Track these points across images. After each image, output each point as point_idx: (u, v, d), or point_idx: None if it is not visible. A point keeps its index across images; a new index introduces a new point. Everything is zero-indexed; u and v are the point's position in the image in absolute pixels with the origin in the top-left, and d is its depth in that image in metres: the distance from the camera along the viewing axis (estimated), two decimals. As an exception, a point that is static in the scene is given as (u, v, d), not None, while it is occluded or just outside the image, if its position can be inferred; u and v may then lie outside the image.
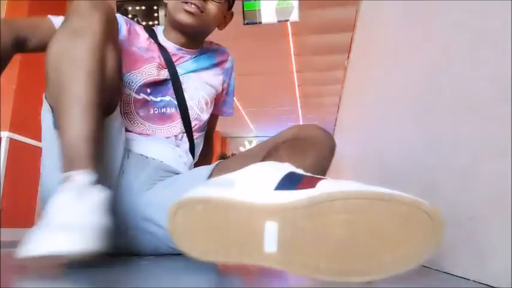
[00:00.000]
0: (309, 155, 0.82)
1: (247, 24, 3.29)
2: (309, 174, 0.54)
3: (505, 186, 0.45)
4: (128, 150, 0.91)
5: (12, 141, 3.07)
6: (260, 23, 3.31)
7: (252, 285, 0.51)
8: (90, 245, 0.52)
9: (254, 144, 10.70)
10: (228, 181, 0.53)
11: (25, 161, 3.08)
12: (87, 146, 0.67)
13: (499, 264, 0.46)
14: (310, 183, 0.48)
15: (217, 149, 10.26)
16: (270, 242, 0.46)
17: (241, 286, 0.52)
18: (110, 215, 0.63)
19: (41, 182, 0.83)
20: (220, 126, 9.73)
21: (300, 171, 0.55)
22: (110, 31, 0.76)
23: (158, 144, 0.96)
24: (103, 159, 0.80)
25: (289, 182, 0.49)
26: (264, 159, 0.82)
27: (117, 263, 0.75)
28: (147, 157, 0.93)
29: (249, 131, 10.28)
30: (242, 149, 10.70)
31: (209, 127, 1.18)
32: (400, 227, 0.42)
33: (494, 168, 0.48)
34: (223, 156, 10.42)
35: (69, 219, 0.56)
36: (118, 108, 0.86)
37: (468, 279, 0.53)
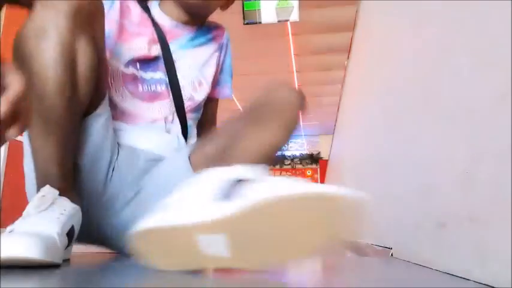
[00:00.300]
0: (273, 123, 0.81)
1: (247, 24, 3.29)
2: (244, 177, 0.57)
3: (505, 186, 0.45)
4: (117, 144, 0.88)
5: (11, 141, 3.06)
6: (260, 22, 3.31)
7: (251, 285, 0.51)
8: (28, 252, 0.53)
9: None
10: (164, 205, 0.58)
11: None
12: (54, 165, 0.68)
13: (499, 264, 0.46)
14: (240, 191, 0.53)
15: (217, 149, 10.23)
16: (216, 250, 0.52)
17: (239, 286, 0.52)
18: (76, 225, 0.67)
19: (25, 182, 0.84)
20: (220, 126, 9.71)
21: (239, 173, 0.58)
22: (83, 20, 0.69)
23: (147, 132, 0.93)
24: (83, 164, 0.80)
25: (225, 192, 0.54)
26: (233, 135, 0.83)
27: (114, 263, 0.75)
28: (136, 148, 0.90)
29: (249, 131, 10.27)
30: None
31: (209, 112, 1.13)
32: (322, 216, 0.47)
33: (494, 168, 0.48)
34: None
35: (27, 228, 0.59)
36: (105, 103, 0.83)
37: (468, 280, 0.53)
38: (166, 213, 0.57)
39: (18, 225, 0.60)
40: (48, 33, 0.65)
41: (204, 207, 0.53)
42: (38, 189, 0.67)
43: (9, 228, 0.60)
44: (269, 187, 0.51)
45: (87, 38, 0.71)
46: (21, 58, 0.66)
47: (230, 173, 0.57)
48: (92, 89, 0.74)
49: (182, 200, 0.57)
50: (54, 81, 0.66)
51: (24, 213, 0.63)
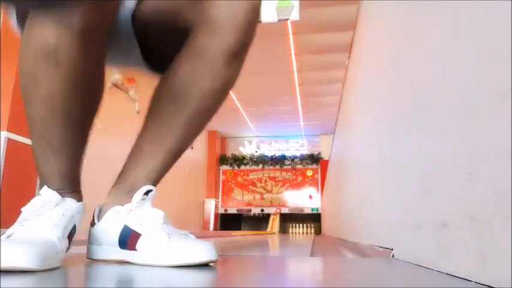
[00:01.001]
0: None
1: (247, 23, 3.28)
2: (135, 230, 0.71)
3: (505, 186, 0.45)
4: None
5: (10, 141, 3.06)
6: (260, 22, 3.30)
7: (251, 286, 0.51)
8: (28, 263, 0.53)
9: (254, 144, 10.72)
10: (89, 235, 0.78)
11: (23, 161, 3.08)
12: (57, 178, 0.67)
13: (500, 264, 0.46)
14: (132, 243, 0.70)
15: (216, 149, 10.27)
16: None
17: (240, 286, 0.52)
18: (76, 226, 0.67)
19: None
20: (220, 126, 9.74)
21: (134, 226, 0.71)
22: (96, 41, 0.61)
23: None
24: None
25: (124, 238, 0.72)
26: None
27: (115, 264, 0.75)
28: None
29: (249, 131, 10.29)
30: (242, 149, 10.71)
31: None
32: None
33: (494, 168, 0.48)
34: (223, 158, 10.43)
35: (27, 234, 0.58)
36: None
37: (470, 281, 0.52)
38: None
39: (17, 230, 0.59)
40: (60, 58, 0.58)
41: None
42: (40, 183, 0.68)
43: (8, 232, 0.59)
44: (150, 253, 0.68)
45: (98, 59, 0.65)
46: (29, 76, 0.61)
47: (123, 221, 0.71)
48: (98, 108, 0.71)
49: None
50: (62, 111, 0.62)
51: (23, 215, 0.62)
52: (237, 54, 0.69)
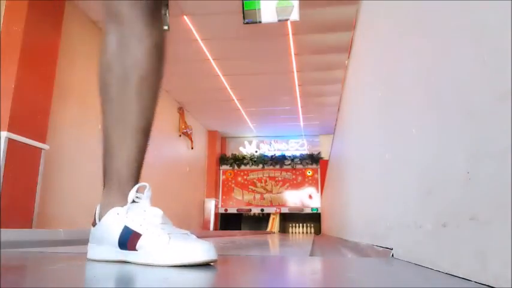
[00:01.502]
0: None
1: (247, 23, 3.28)
2: (135, 230, 0.72)
3: (505, 186, 0.45)
4: None
5: (10, 141, 3.06)
6: (260, 22, 3.30)
7: (251, 286, 0.51)
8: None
9: (254, 144, 10.72)
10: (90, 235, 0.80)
11: (23, 161, 3.08)
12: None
13: (499, 264, 0.46)
14: (132, 244, 0.71)
15: (216, 149, 10.27)
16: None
17: (240, 286, 0.52)
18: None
19: None
20: (220, 126, 9.74)
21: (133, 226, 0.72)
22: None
23: None
24: None
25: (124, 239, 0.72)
26: None
27: (116, 265, 0.75)
28: None
29: (249, 131, 10.28)
30: (242, 149, 10.71)
31: None
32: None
33: (494, 168, 0.48)
34: (223, 158, 10.43)
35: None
36: None
37: (469, 280, 0.52)
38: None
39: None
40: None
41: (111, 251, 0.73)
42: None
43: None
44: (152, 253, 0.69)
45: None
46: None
47: (123, 222, 0.72)
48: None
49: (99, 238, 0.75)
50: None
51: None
52: (152, 14, 0.74)
